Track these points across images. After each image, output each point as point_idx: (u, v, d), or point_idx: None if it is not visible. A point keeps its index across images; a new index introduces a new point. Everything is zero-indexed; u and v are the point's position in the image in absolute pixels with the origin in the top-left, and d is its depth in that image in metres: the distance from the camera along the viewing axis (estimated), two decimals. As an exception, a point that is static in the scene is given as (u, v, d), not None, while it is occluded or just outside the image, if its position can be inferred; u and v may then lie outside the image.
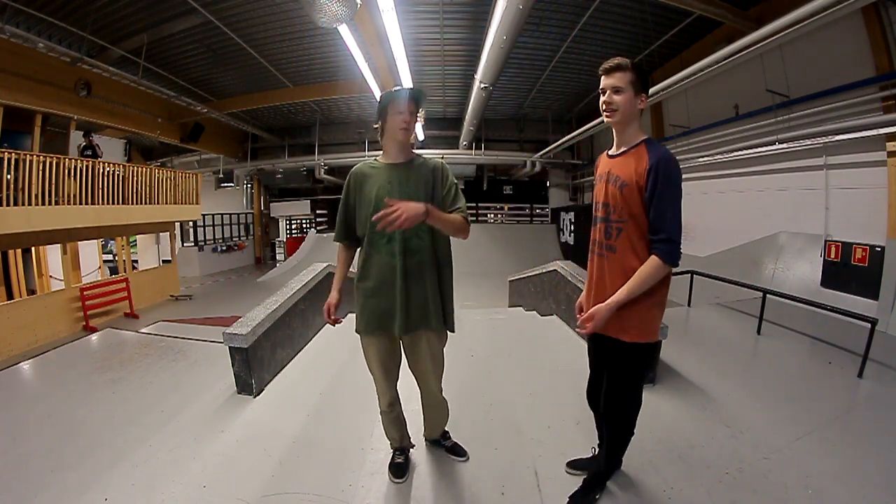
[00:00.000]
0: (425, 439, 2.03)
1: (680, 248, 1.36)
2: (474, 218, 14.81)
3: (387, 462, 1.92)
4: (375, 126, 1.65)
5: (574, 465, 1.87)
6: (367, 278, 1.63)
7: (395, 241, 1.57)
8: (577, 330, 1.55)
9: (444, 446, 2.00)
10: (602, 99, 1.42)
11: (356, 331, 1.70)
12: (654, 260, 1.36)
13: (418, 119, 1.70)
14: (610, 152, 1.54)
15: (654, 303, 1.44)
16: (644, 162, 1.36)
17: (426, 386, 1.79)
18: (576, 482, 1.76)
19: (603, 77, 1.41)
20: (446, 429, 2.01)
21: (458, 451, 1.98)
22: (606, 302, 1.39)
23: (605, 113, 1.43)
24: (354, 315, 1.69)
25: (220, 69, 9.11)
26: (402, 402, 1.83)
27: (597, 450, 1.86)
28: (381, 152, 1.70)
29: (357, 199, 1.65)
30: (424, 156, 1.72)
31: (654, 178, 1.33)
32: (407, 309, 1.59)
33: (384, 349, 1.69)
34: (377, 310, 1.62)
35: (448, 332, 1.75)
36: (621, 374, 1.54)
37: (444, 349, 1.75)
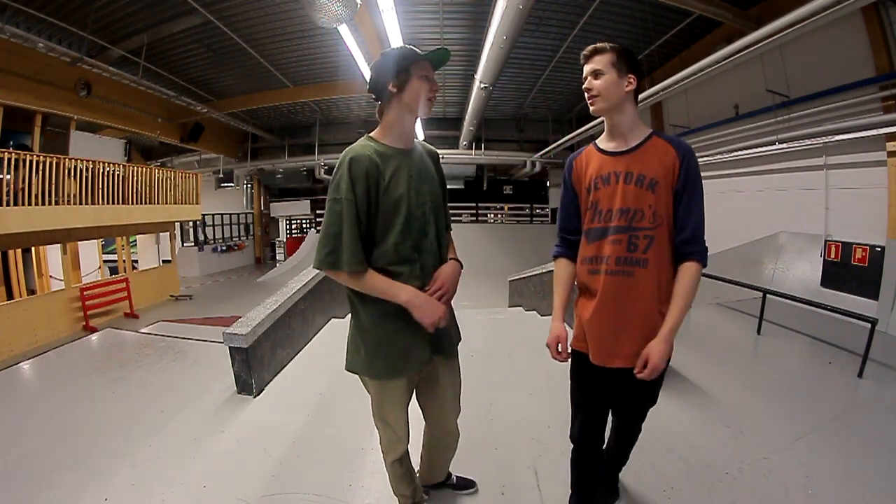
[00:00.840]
0: (423, 487, 1.67)
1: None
2: (474, 218, 14.81)
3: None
4: (390, 87, 1.21)
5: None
6: (392, 306, 1.20)
7: (429, 252, 1.27)
8: (563, 361, 1.35)
9: (449, 486, 1.73)
10: (584, 86, 1.26)
11: (373, 377, 1.29)
12: (695, 267, 1.20)
13: None
14: (606, 147, 1.29)
15: None
16: (671, 154, 1.20)
17: (444, 421, 1.47)
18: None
19: (584, 65, 1.26)
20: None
21: (465, 485, 1.74)
22: (663, 338, 1.17)
23: (588, 100, 1.25)
24: (367, 358, 1.27)
25: (220, 69, 9.11)
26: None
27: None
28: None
29: (376, 201, 1.19)
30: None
31: (687, 172, 1.18)
32: (449, 331, 1.34)
33: (409, 389, 1.35)
34: (418, 341, 1.25)
35: None
36: (648, 404, 1.38)
37: None
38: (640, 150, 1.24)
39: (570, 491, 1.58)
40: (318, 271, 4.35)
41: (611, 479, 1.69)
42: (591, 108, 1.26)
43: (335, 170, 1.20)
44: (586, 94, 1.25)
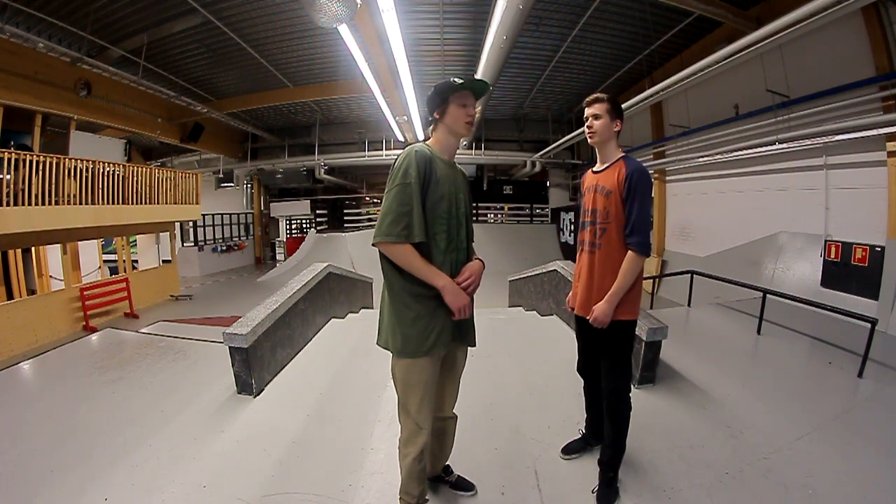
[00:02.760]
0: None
1: (649, 242, 1.68)
2: (474, 218, 14.80)
3: (387, 461, 1.91)
4: (435, 114, 1.50)
5: (568, 451, 2.00)
6: (428, 290, 1.39)
7: (460, 250, 1.49)
8: (569, 319, 1.70)
9: (447, 482, 1.77)
10: (586, 125, 1.77)
11: (410, 353, 1.40)
12: (630, 255, 1.65)
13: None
14: (594, 168, 1.83)
15: (635, 288, 1.72)
16: (622, 173, 1.66)
17: (451, 404, 1.64)
18: (573, 472, 1.82)
19: (586, 108, 1.75)
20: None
21: (464, 486, 1.76)
22: (605, 300, 1.68)
23: (588, 134, 1.77)
24: (399, 335, 1.41)
25: (220, 69, 9.12)
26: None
27: (583, 430, 2.06)
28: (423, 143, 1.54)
29: (425, 193, 1.39)
30: None
31: (629, 185, 1.64)
32: (470, 320, 1.53)
33: (434, 373, 1.46)
34: (447, 324, 1.42)
35: None
36: (617, 349, 1.75)
37: None
38: (607, 170, 1.74)
39: (570, 490, 1.65)
40: (317, 272, 4.32)
41: (608, 470, 1.75)
42: (589, 140, 1.79)
43: (401, 160, 1.40)
44: (587, 130, 1.76)
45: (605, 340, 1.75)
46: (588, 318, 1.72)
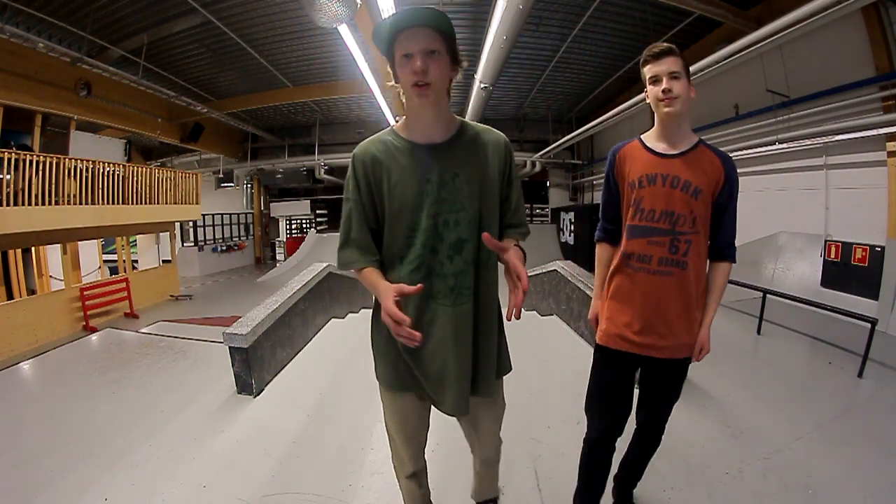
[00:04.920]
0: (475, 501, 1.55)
1: None
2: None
3: (387, 461, 1.91)
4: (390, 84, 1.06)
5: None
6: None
7: (439, 275, 1.05)
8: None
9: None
10: (661, 87, 1.21)
11: (377, 377, 1.17)
12: (727, 267, 1.35)
13: (457, 68, 1.02)
14: (655, 147, 1.30)
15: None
16: (718, 168, 1.26)
17: (486, 446, 1.33)
18: (573, 472, 1.61)
19: (651, 63, 1.23)
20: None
21: None
22: (705, 324, 1.33)
23: (664, 102, 1.22)
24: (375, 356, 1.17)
25: (220, 69, 9.11)
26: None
27: None
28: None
29: (383, 198, 1.04)
30: (477, 125, 1.11)
31: (731, 187, 1.28)
32: (475, 373, 1.11)
33: (411, 413, 1.17)
34: (424, 368, 1.07)
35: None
36: (678, 391, 1.44)
37: None
38: (688, 157, 1.27)
39: (570, 490, 1.58)
40: (317, 272, 4.32)
41: (625, 494, 1.64)
42: (668, 111, 1.23)
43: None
44: (662, 95, 1.22)
45: (668, 381, 1.39)
46: (693, 357, 1.33)
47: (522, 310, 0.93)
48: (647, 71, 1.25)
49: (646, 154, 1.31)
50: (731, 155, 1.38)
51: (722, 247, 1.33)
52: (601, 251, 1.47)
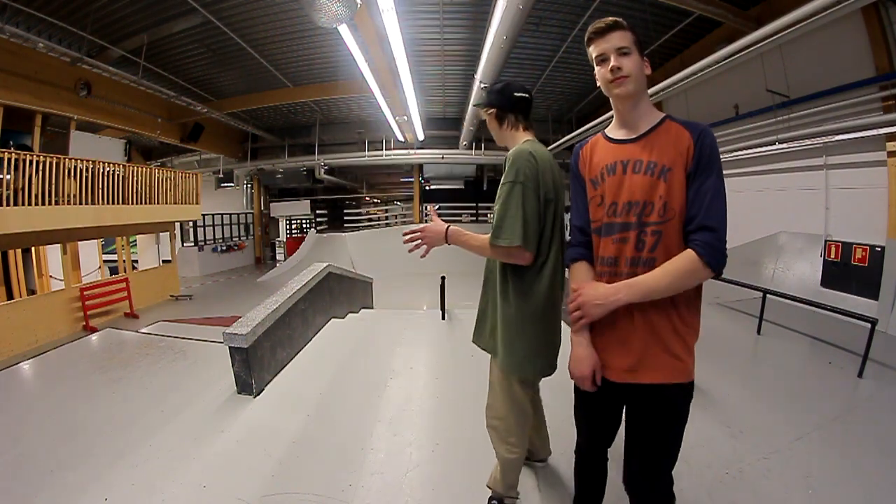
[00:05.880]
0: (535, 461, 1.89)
1: (725, 248, 0.99)
2: (474, 218, 14.78)
3: (387, 461, 1.91)
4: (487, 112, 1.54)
5: None
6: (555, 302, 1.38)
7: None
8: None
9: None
10: (608, 66, 1.07)
11: (531, 374, 1.43)
12: (690, 260, 0.99)
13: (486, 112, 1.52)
14: (615, 136, 1.15)
15: (693, 322, 1.12)
16: (685, 137, 1.04)
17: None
18: (571, 481, 1.56)
19: (597, 41, 1.09)
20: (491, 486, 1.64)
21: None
22: (620, 284, 1.05)
23: (614, 83, 1.07)
24: (520, 354, 1.37)
25: (220, 69, 9.11)
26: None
27: None
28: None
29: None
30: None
31: (700, 154, 1.01)
32: None
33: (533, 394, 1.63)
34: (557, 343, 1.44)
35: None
36: (670, 436, 1.12)
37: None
38: (651, 136, 1.09)
39: (570, 490, 1.55)
40: (317, 272, 4.31)
41: None
42: (618, 91, 1.08)
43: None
44: (610, 75, 1.07)
45: (660, 415, 1.11)
46: (628, 384, 1.10)
47: None
48: (593, 50, 1.10)
49: (606, 145, 1.16)
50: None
51: (689, 230, 1.01)
52: (580, 274, 1.19)
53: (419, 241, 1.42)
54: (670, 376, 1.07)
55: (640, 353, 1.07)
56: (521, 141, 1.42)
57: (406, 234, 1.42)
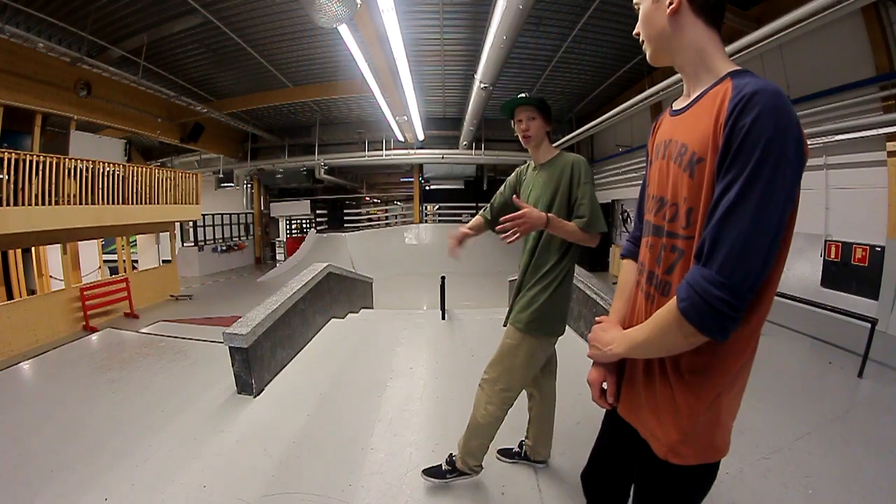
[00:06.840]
0: (534, 461, 1.97)
1: (734, 302, 0.65)
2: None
3: (387, 461, 1.91)
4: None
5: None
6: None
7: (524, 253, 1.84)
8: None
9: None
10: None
11: (554, 333, 1.71)
12: (670, 307, 0.70)
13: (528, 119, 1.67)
14: (676, 105, 0.86)
15: (725, 391, 0.80)
16: (720, 103, 0.70)
17: (553, 386, 1.97)
18: (574, 472, 1.56)
19: None
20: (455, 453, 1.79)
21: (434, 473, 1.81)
22: (623, 341, 0.82)
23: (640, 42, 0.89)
24: (545, 317, 1.65)
25: (220, 69, 9.11)
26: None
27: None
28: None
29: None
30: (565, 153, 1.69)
31: (731, 133, 0.65)
32: None
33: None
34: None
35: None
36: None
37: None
38: (697, 105, 0.77)
39: (569, 490, 1.61)
40: (317, 272, 4.32)
41: None
42: (645, 50, 0.87)
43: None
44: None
45: (653, 480, 0.86)
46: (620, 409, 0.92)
47: None
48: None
49: (667, 117, 0.89)
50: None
51: (702, 262, 0.67)
52: (623, 273, 1.00)
53: (517, 228, 1.40)
54: (655, 446, 0.82)
55: (642, 400, 0.85)
56: (555, 150, 1.72)
57: (507, 219, 1.39)
